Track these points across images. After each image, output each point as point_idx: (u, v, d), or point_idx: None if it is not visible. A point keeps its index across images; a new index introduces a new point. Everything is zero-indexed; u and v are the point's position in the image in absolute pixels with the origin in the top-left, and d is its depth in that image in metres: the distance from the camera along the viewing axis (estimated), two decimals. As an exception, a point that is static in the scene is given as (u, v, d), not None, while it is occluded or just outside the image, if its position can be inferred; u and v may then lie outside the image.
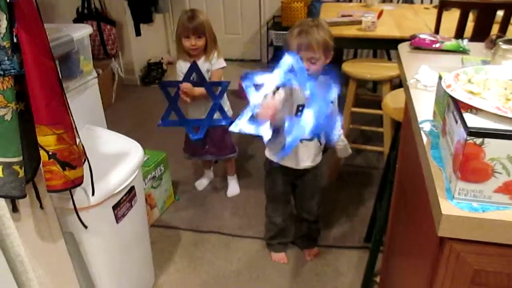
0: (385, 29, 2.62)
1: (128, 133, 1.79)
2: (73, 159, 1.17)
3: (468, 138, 0.69)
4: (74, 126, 1.19)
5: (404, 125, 1.49)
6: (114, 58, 4.07)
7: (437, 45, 1.52)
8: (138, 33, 4.20)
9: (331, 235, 2.27)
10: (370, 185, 2.60)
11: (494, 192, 0.72)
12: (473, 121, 0.71)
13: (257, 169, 2.84)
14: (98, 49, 3.92)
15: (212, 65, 2.29)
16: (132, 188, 1.61)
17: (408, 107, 1.19)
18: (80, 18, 3.96)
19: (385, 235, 1.76)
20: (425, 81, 1.20)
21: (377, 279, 1.91)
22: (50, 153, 1.10)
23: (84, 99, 2.10)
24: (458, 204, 0.74)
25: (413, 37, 1.58)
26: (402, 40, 1.66)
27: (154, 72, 4.38)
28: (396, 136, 1.76)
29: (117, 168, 1.54)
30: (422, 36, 1.57)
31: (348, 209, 2.45)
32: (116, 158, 1.60)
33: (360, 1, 4.03)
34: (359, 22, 2.64)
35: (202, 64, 2.26)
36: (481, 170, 0.71)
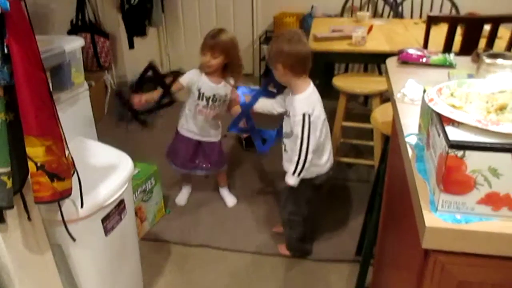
0: (375, 44, 2.65)
1: (120, 146, 1.79)
2: (62, 170, 1.17)
3: (449, 151, 0.70)
4: (63, 138, 1.19)
5: (392, 138, 1.50)
6: (107, 70, 4.08)
7: (424, 59, 1.54)
8: (131, 45, 4.22)
9: (322, 248, 2.26)
10: (361, 198, 2.60)
11: (477, 204, 0.74)
12: (454, 134, 0.73)
13: (244, 182, 2.84)
14: (91, 61, 3.94)
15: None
16: (122, 201, 1.60)
17: (395, 121, 1.21)
18: (74, 29, 3.97)
19: (375, 248, 1.76)
20: (412, 95, 1.22)
21: (367, 292, 1.91)
22: (39, 164, 1.10)
23: (75, 110, 2.10)
24: (442, 216, 0.75)
25: (400, 51, 1.61)
26: (391, 54, 1.68)
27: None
28: (385, 150, 1.77)
29: (107, 180, 1.53)
30: (409, 50, 1.59)
31: (339, 222, 2.45)
32: (106, 170, 1.59)
33: (351, 16, 4.09)
34: (350, 37, 2.67)
35: (222, 87, 2.26)
36: (463, 182, 0.72)
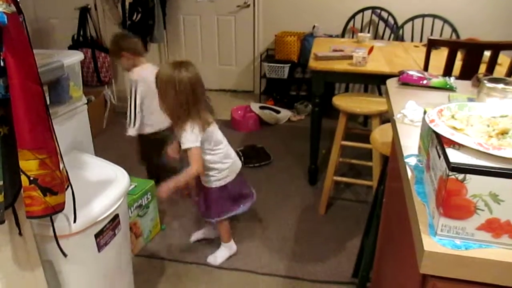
0: (375, 65, 2.66)
1: (117, 160, 1.77)
2: (55, 184, 1.15)
3: (450, 174, 0.68)
4: (58, 151, 1.18)
5: (391, 159, 1.49)
6: (107, 85, 4.09)
7: (425, 81, 1.54)
8: (132, 61, 4.23)
9: (318, 269, 2.23)
10: (359, 219, 2.58)
11: (477, 230, 0.72)
12: (455, 156, 0.71)
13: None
14: (91, 76, 3.95)
15: None
16: (116, 216, 1.58)
17: (395, 142, 1.20)
18: (75, 45, 4.01)
19: (372, 271, 1.73)
20: (412, 116, 1.21)
21: (364, 316, 1.87)
22: (31, 178, 1.08)
23: (73, 124, 2.09)
24: (441, 241, 0.73)
25: (401, 73, 1.60)
26: (391, 76, 1.68)
27: (147, 100, 4.39)
28: (384, 170, 1.75)
29: (102, 195, 1.51)
30: (410, 72, 1.59)
31: (336, 243, 2.42)
32: (101, 185, 1.57)
33: (352, 37, 4.12)
34: (350, 57, 2.68)
35: None
36: (464, 207, 0.70)
